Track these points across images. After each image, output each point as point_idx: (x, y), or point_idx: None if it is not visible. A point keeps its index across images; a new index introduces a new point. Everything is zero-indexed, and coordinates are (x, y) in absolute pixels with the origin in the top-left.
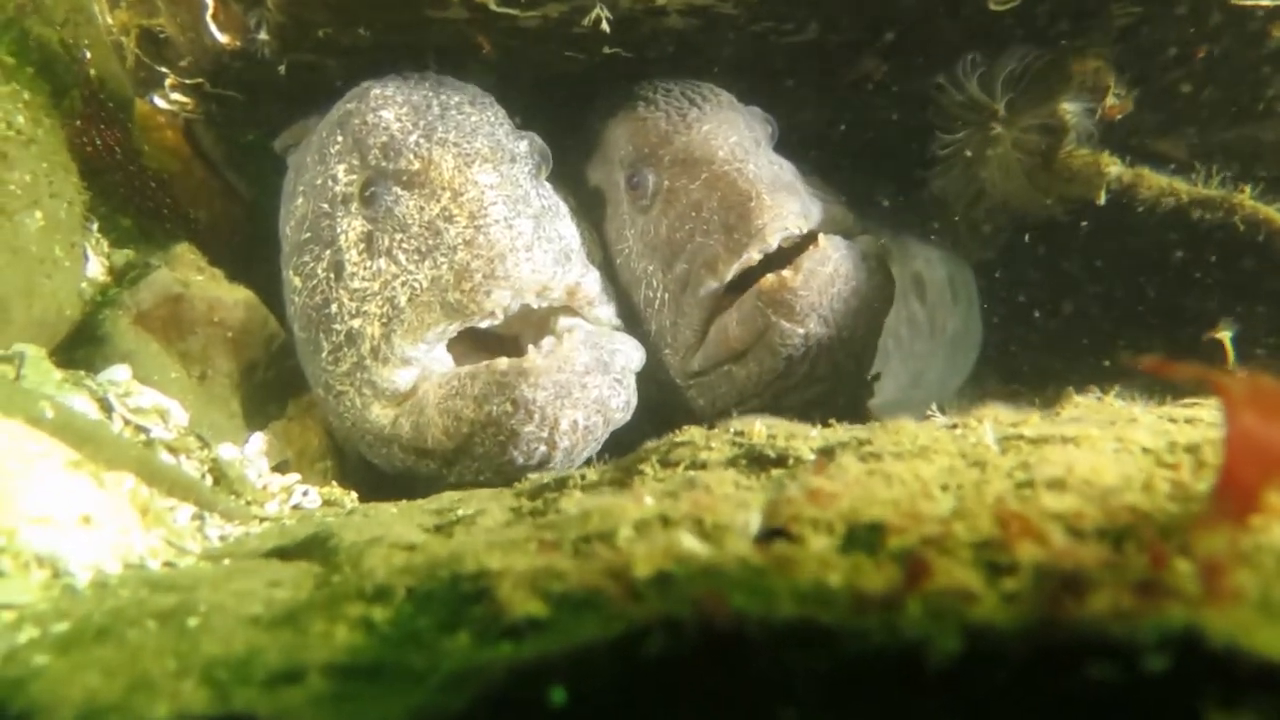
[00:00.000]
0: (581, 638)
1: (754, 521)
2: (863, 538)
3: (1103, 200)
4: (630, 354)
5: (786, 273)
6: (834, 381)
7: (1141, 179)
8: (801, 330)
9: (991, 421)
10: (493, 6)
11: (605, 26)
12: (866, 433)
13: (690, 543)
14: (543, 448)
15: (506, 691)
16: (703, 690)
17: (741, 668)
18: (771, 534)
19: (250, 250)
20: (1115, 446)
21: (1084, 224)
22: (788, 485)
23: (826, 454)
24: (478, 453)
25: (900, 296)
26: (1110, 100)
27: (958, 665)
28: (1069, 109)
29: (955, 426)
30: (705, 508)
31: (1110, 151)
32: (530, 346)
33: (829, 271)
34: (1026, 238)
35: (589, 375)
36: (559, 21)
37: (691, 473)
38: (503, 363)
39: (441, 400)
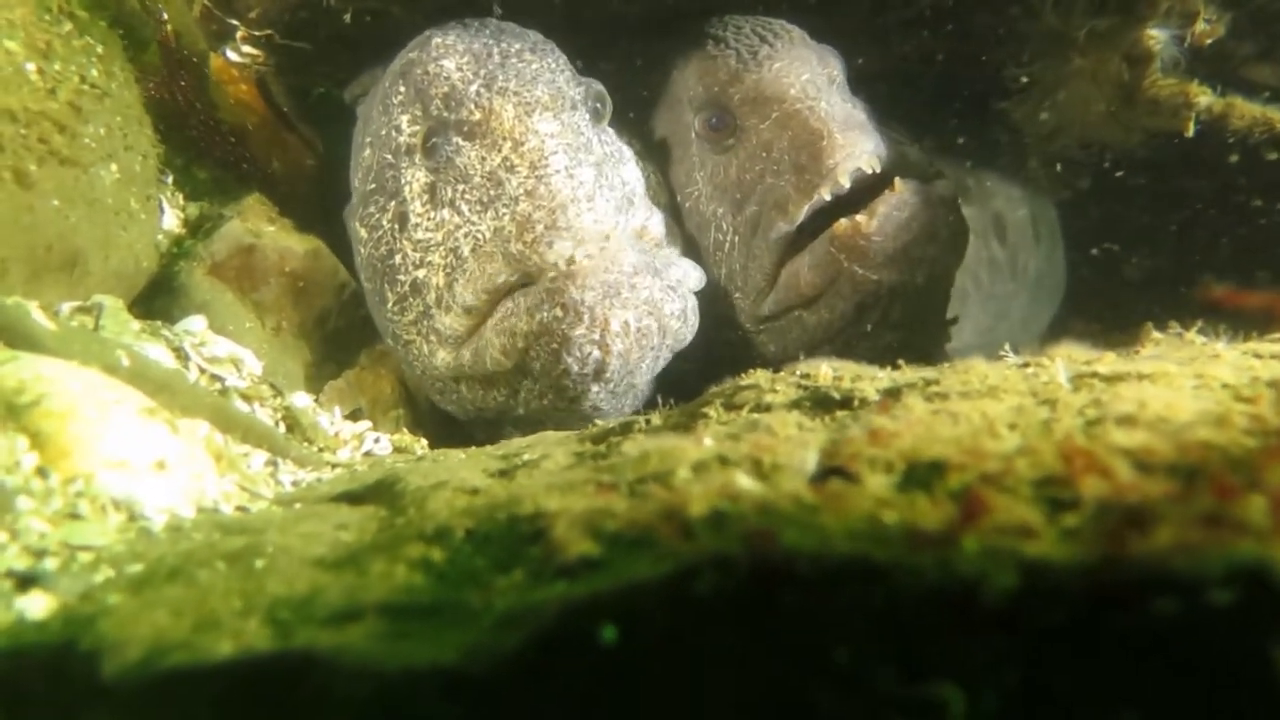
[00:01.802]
0: (634, 576)
1: (811, 460)
2: (922, 476)
3: (1191, 132)
4: (688, 271)
5: (861, 217)
6: (908, 329)
7: (1233, 108)
8: (875, 277)
9: (1065, 359)
10: None
11: None
12: (935, 373)
13: (745, 482)
14: (596, 351)
15: (559, 630)
16: (754, 628)
17: (793, 605)
18: (830, 472)
19: (322, 200)
20: (1194, 383)
21: (1170, 157)
22: (849, 425)
23: (892, 395)
24: (535, 369)
25: (979, 237)
26: (1200, 26)
27: (1014, 602)
28: (1154, 35)
29: (1027, 365)
30: (765, 448)
31: (1200, 80)
32: (576, 251)
33: (904, 217)
34: (1107, 173)
35: (638, 275)
36: None
37: (755, 415)
38: (552, 271)
39: (498, 321)
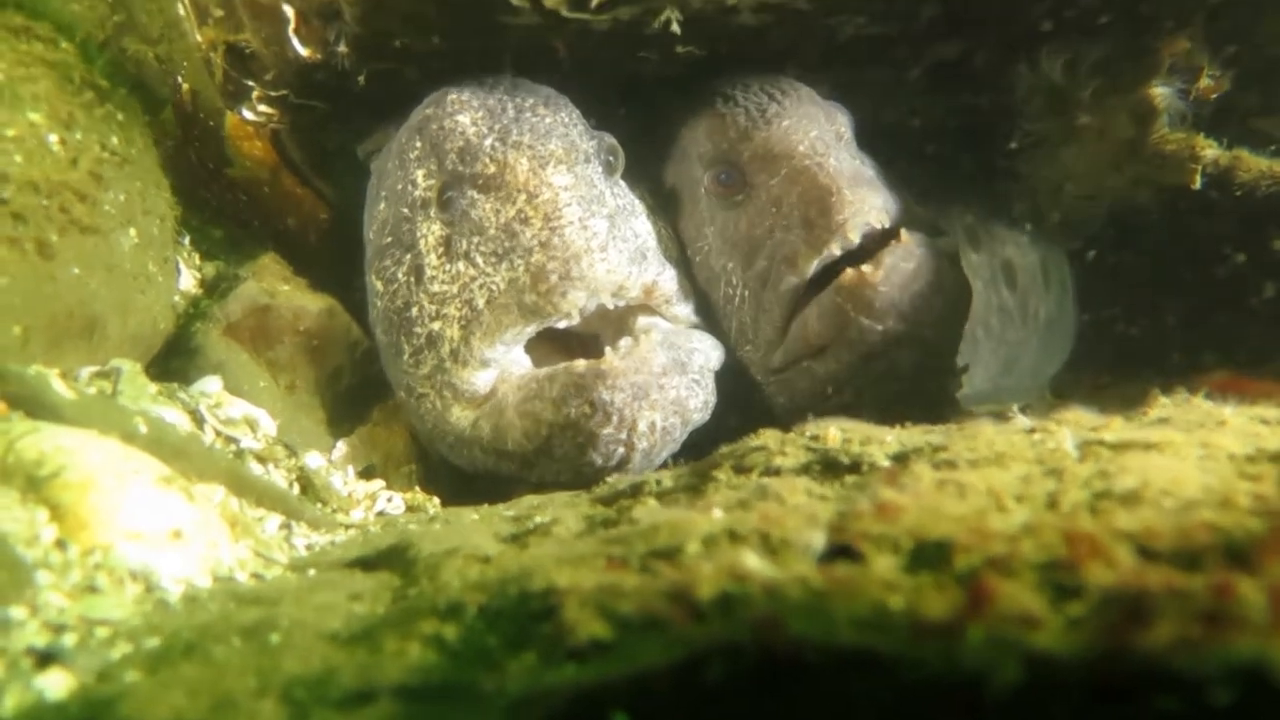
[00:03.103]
0: (644, 661)
1: (818, 540)
2: (929, 555)
3: (1198, 185)
4: (709, 353)
5: (867, 268)
6: (915, 379)
7: (1240, 161)
8: (880, 327)
9: (1072, 426)
10: (564, 12)
11: (676, 28)
12: (943, 437)
13: (753, 562)
14: (621, 449)
15: (570, 716)
16: (763, 716)
17: (801, 694)
18: (838, 551)
19: (337, 254)
20: (1200, 452)
21: (1176, 211)
22: (857, 498)
23: (901, 460)
24: (557, 454)
25: (989, 284)
26: (1204, 81)
27: (1018, 695)
28: (1159, 92)
29: (1034, 431)
30: (773, 521)
31: (1205, 133)
32: (608, 348)
33: (910, 268)
34: (1115, 226)
35: (666, 376)
36: (630, 24)
37: (764, 480)
38: (580, 365)
39: (520, 403)
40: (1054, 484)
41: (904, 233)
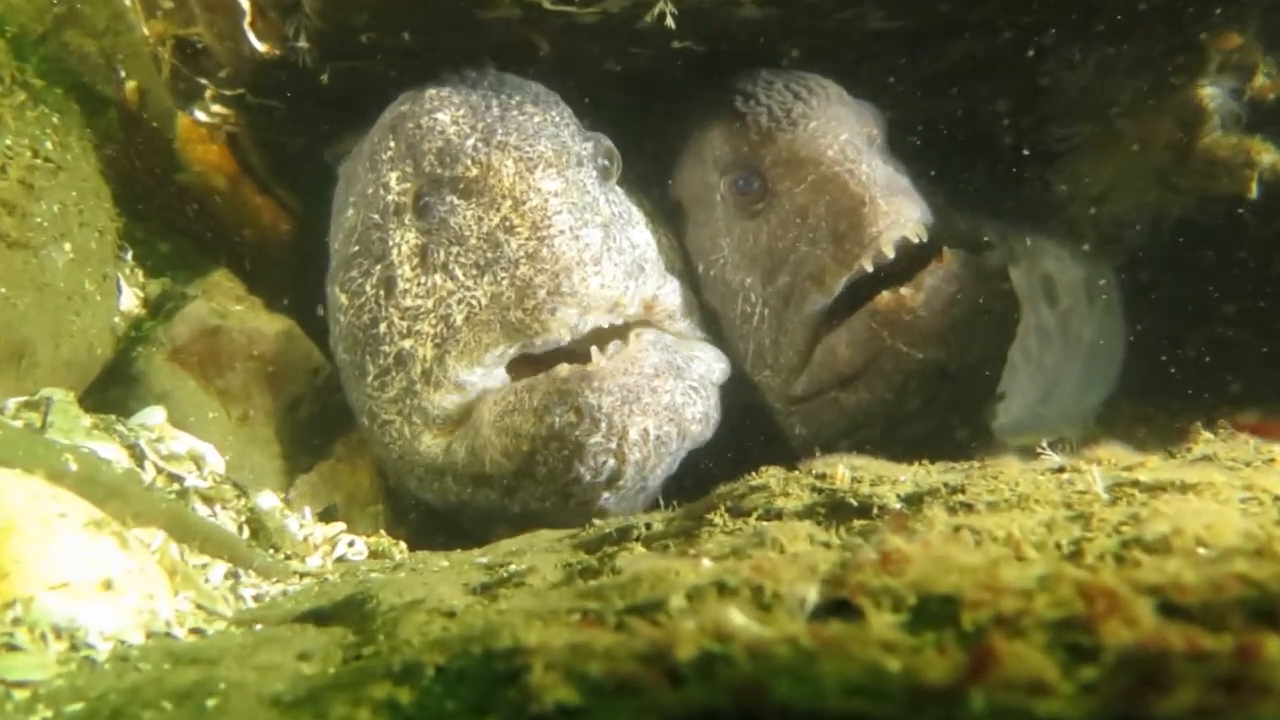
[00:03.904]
0: None
1: (811, 595)
2: (934, 612)
3: (1254, 193)
4: (711, 363)
5: (906, 290)
6: (955, 412)
7: None
8: (920, 355)
9: (1104, 465)
10: (546, 5)
11: (670, 21)
12: (962, 477)
13: (739, 620)
14: (611, 461)
15: None
16: None
17: None
18: (834, 606)
19: (299, 270)
20: (1243, 495)
21: (1231, 223)
22: (861, 546)
23: (914, 503)
24: (541, 473)
25: (1027, 301)
26: (1260, 80)
27: None
28: (1208, 93)
29: (1063, 470)
30: (767, 573)
31: (1262, 137)
32: (594, 349)
33: (953, 291)
34: (1160, 241)
35: (660, 379)
36: (620, 17)
37: (764, 524)
38: (563, 369)
39: (498, 418)
40: (1079, 530)
41: (946, 251)
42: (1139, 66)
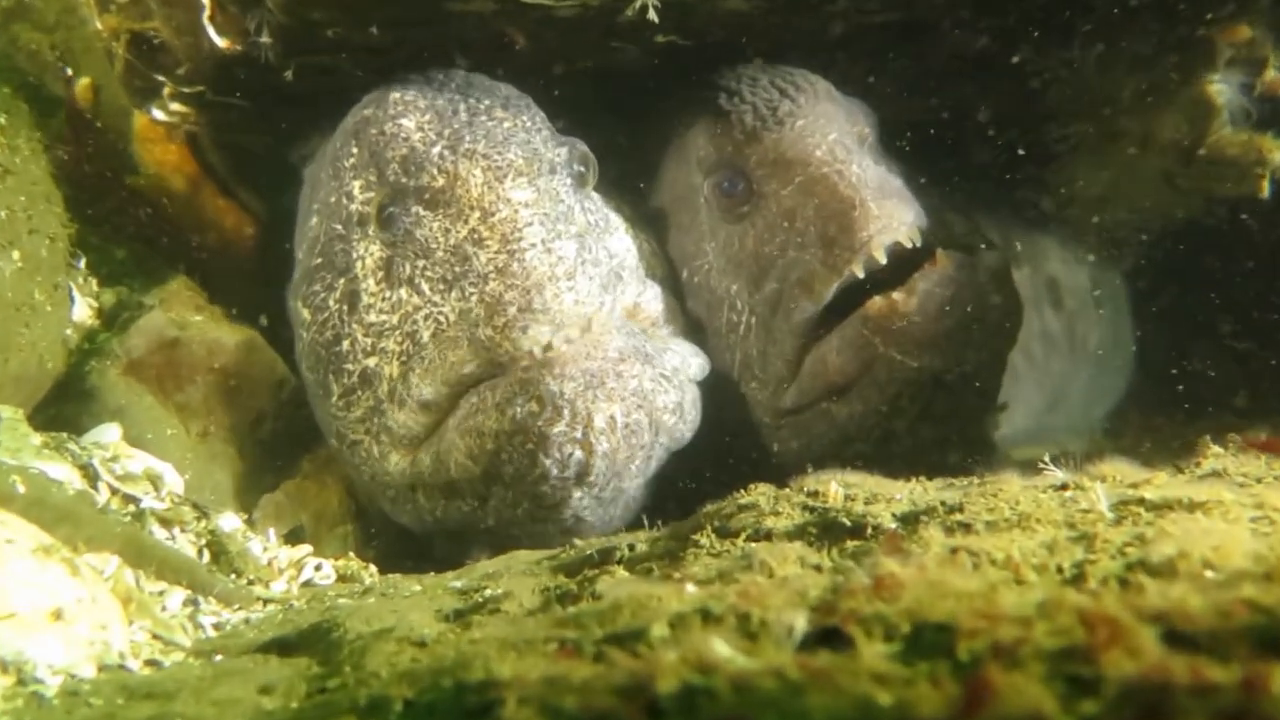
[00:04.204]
0: None
1: (800, 623)
2: (929, 640)
3: (1266, 193)
4: (686, 357)
5: (898, 295)
6: (952, 423)
7: None
8: (915, 364)
9: (1108, 482)
10: None
11: (653, 15)
12: (960, 495)
13: (723, 650)
14: (578, 452)
15: None
16: None
17: None
18: (824, 634)
19: (264, 277)
20: (1254, 514)
21: (1239, 225)
22: (853, 570)
23: (909, 523)
24: (507, 473)
25: (1031, 305)
26: (1270, 74)
27: None
28: (1217, 88)
29: (1065, 488)
30: (754, 599)
31: (1274, 134)
32: (553, 337)
33: (948, 295)
34: (1166, 244)
35: (625, 363)
36: (600, 10)
37: (752, 545)
38: (524, 360)
39: (462, 420)
40: (1082, 552)
41: (940, 253)
42: (1142, 62)
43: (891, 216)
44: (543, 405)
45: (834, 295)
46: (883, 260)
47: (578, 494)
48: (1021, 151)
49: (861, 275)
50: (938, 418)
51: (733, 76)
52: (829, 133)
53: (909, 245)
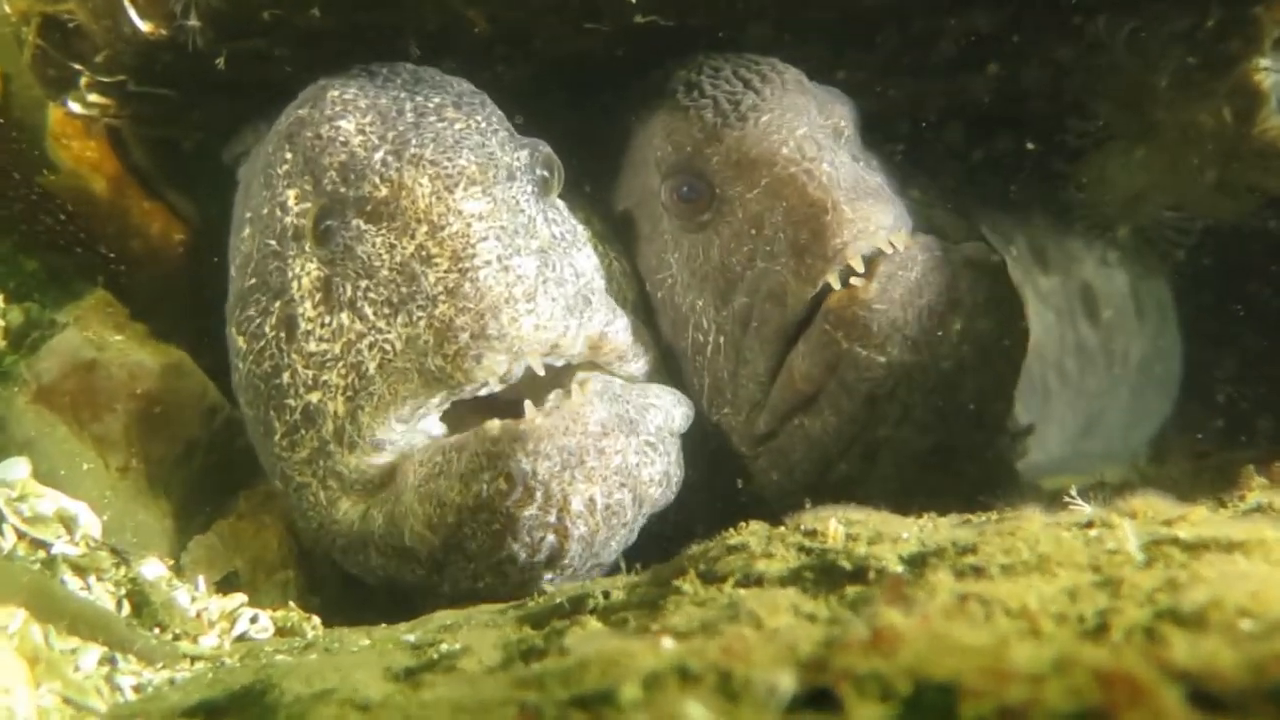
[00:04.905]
0: None
1: (785, 683)
2: (929, 703)
3: None
4: (669, 410)
5: (857, 282)
6: (944, 432)
7: None
8: (882, 358)
9: (1139, 519)
10: None
11: None
12: (974, 534)
13: (698, 715)
14: (551, 537)
15: None
16: None
17: None
18: (813, 695)
19: (197, 288)
20: None
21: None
22: (850, 622)
23: (917, 566)
24: (470, 548)
25: (1063, 316)
26: None
27: None
28: (1266, 68)
29: (1091, 525)
30: (738, 656)
31: None
32: (528, 404)
33: (913, 278)
34: (1212, 247)
35: (608, 437)
36: None
37: (741, 592)
38: (494, 426)
39: (422, 482)
40: (1106, 599)
41: (904, 235)
42: (1178, 43)
43: (868, 219)
44: (512, 485)
45: (807, 308)
46: (860, 269)
47: (548, 575)
48: (1043, 147)
49: (837, 287)
50: (921, 425)
51: (693, 66)
52: (797, 127)
53: (889, 250)
